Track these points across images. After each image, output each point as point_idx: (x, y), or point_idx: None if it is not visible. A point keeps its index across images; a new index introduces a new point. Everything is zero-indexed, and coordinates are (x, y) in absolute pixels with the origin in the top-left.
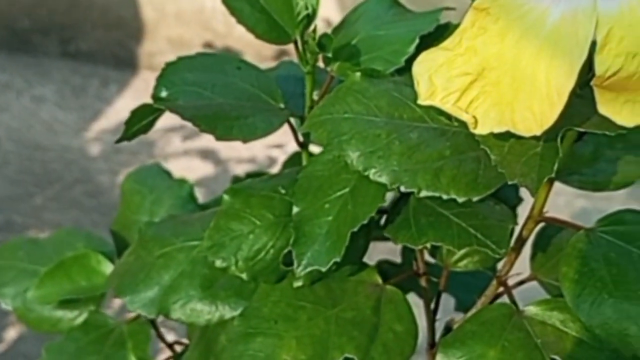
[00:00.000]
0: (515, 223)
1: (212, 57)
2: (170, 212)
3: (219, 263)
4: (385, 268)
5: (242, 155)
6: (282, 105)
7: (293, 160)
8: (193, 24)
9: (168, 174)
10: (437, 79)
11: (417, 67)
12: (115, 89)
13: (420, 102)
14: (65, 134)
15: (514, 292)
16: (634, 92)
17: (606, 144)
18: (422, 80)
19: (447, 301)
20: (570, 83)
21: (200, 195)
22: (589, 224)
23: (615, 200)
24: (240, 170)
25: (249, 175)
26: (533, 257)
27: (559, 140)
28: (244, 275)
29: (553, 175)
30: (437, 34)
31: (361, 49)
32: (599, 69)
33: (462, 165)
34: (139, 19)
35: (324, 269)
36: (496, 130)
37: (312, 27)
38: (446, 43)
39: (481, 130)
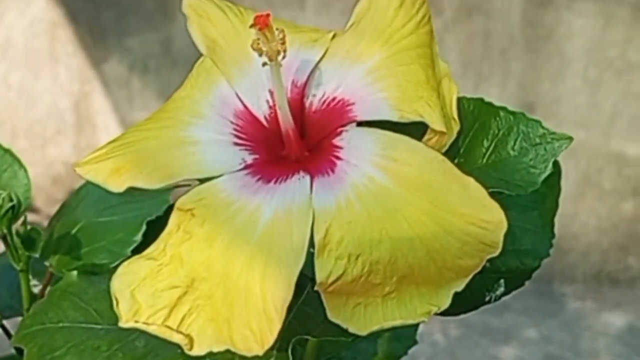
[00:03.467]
0: None
1: None
2: None
3: None
4: None
5: None
6: None
7: None
8: None
9: None
10: (141, 294)
11: (116, 283)
12: None
13: (122, 324)
14: None
15: None
16: (363, 295)
17: None
18: (122, 297)
19: None
20: (288, 295)
21: None
22: None
23: None
24: None
25: None
26: None
27: (289, 353)
28: None
29: None
30: (168, 218)
31: (82, 240)
32: (320, 274)
33: None
34: None
35: None
36: (215, 349)
37: (20, 220)
38: (149, 251)
39: (198, 350)
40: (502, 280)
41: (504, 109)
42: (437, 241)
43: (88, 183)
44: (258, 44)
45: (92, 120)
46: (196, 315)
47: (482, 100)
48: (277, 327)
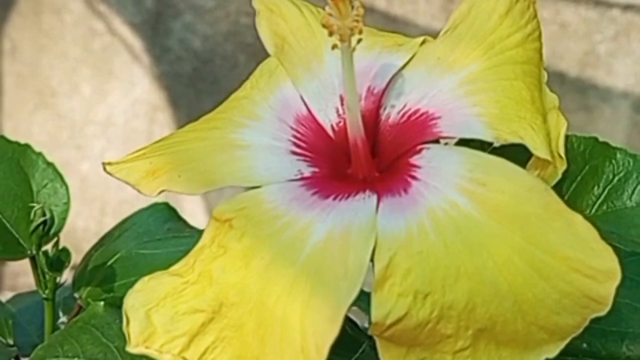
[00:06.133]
0: None
1: None
2: None
3: None
4: None
5: None
6: (10, 342)
7: None
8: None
9: None
10: (157, 316)
11: (130, 300)
12: None
13: (129, 348)
14: None
15: None
16: (429, 348)
17: None
18: (134, 317)
19: None
20: (333, 331)
21: None
22: None
23: None
24: None
25: None
26: None
27: None
28: None
29: None
30: None
31: (118, 271)
32: (376, 311)
33: None
34: None
35: None
36: None
37: (54, 241)
38: (176, 267)
39: None
40: None
41: (622, 150)
42: (530, 289)
43: (135, 215)
44: (329, 19)
45: (180, 205)
46: (221, 350)
47: (595, 139)
48: None
